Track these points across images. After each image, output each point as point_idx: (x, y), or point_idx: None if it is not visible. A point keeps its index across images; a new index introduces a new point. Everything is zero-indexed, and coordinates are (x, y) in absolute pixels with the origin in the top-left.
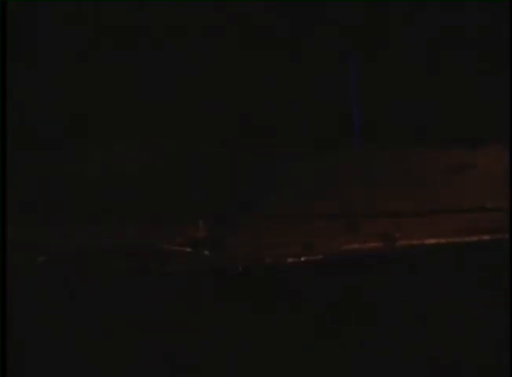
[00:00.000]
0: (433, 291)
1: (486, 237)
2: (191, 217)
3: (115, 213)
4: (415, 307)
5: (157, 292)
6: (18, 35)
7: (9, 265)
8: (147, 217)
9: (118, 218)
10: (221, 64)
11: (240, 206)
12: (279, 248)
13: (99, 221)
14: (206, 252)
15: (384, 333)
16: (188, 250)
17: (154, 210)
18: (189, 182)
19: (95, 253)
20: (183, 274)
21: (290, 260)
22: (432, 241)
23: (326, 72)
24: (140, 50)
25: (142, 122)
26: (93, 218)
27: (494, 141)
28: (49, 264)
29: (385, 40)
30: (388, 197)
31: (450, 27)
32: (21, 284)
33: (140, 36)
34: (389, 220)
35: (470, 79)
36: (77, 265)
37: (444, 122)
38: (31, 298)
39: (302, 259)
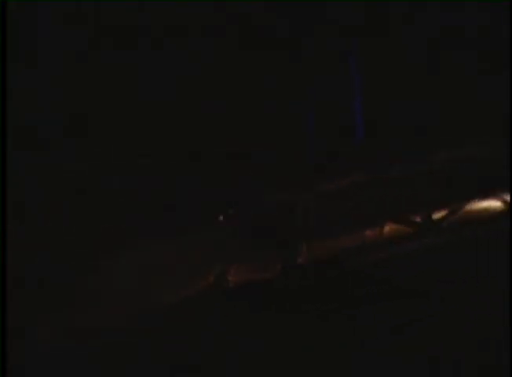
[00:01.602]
0: None
1: None
2: None
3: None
4: None
5: None
6: (18, 35)
7: None
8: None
9: None
10: (221, 64)
11: None
12: None
13: None
14: None
15: None
16: None
17: None
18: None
19: None
20: None
21: None
22: None
23: (326, 72)
24: (140, 50)
25: (142, 121)
26: None
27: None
28: None
29: (385, 40)
30: None
31: (450, 27)
32: None
33: (140, 36)
34: None
35: (470, 79)
36: None
37: (444, 122)
38: None
39: None
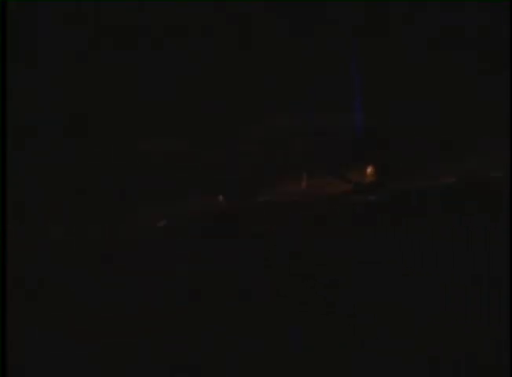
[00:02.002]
0: None
1: None
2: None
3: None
4: None
5: None
6: (18, 35)
7: None
8: None
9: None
10: (221, 64)
11: None
12: None
13: None
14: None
15: None
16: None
17: None
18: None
19: None
20: None
21: None
22: None
23: (326, 72)
24: (140, 50)
25: (142, 121)
26: None
27: None
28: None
29: (385, 40)
30: None
31: (450, 27)
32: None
33: (140, 36)
34: None
35: (470, 79)
36: None
37: (444, 122)
38: None
39: None
